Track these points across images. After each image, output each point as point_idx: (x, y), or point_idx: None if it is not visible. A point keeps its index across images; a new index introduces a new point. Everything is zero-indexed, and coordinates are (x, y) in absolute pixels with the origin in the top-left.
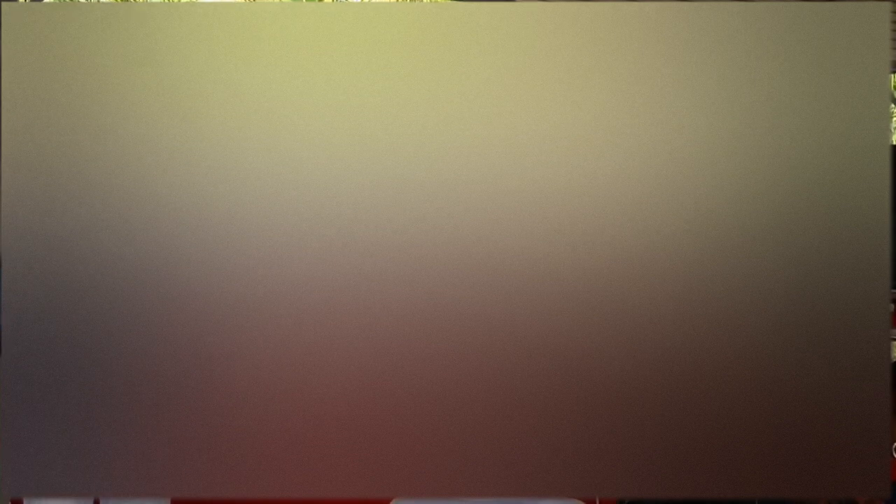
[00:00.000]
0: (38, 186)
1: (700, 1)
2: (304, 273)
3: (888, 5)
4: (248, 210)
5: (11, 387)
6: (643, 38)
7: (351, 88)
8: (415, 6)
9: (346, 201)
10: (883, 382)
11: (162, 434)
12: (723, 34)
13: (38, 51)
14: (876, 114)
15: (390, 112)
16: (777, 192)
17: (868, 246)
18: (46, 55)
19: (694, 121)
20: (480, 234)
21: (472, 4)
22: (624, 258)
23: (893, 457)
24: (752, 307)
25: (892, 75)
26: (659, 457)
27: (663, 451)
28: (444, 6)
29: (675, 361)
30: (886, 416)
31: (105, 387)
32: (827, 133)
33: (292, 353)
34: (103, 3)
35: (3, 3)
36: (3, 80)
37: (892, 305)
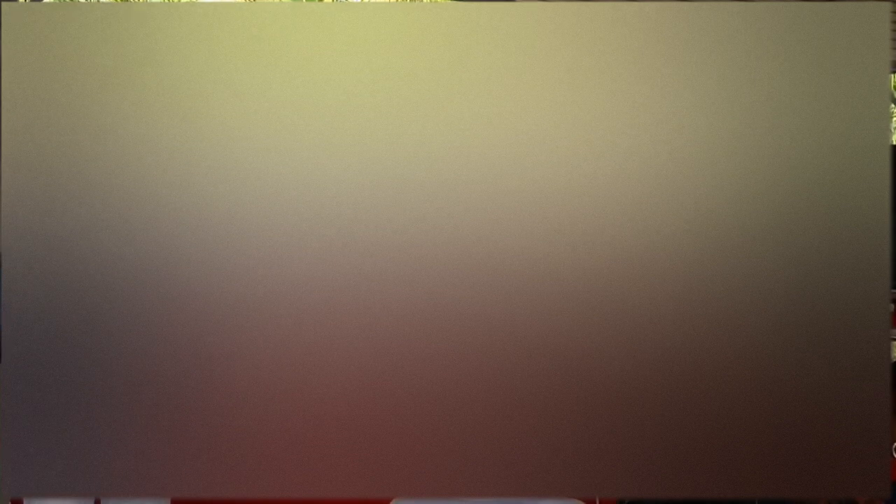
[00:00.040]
0: (38, 186)
1: (700, 1)
2: (304, 273)
3: (888, 5)
4: (249, 210)
5: (11, 387)
6: (643, 38)
7: (351, 88)
8: (415, 6)
9: (346, 201)
10: (883, 382)
11: (162, 434)
12: (723, 34)
13: (38, 51)
14: (876, 114)
15: (390, 112)
16: (777, 192)
17: (868, 246)
18: (46, 55)
19: (694, 121)
20: (480, 235)
21: (472, 4)
22: (624, 258)
23: (893, 457)
24: (752, 307)
25: (892, 75)
26: (659, 457)
27: (663, 451)
28: (444, 6)
29: (675, 362)
30: (886, 416)
31: (105, 387)
32: (827, 133)
33: (292, 354)
34: (103, 3)
35: (3, 3)
36: (3, 80)
37: (892, 305)
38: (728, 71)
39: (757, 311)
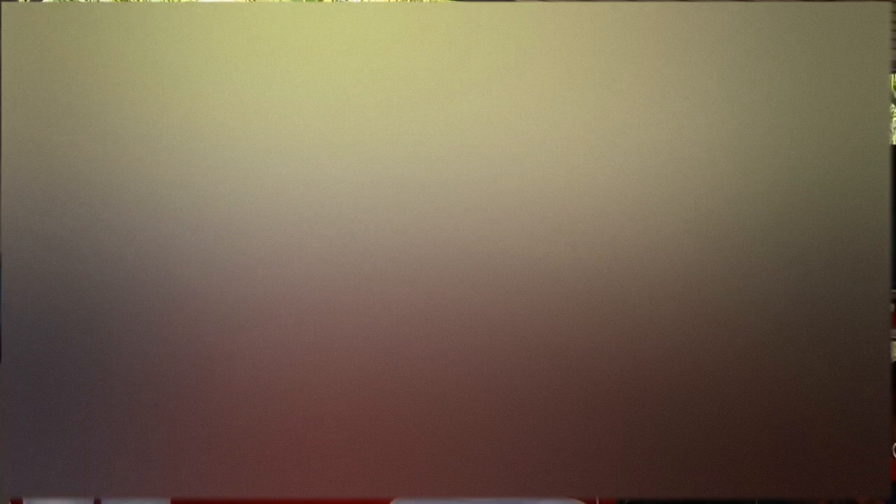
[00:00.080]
0: (38, 186)
1: (700, 1)
2: (304, 273)
3: (888, 5)
4: (249, 210)
5: (11, 387)
6: (643, 38)
7: (351, 88)
8: (415, 6)
9: (346, 201)
10: (883, 382)
11: (162, 434)
12: (723, 34)
13: (38, 51)
14: (876, 114)
15: (390, 112)
16: (777, 192)
17: (868, 246)
18: (46, 55)
19: (694, 121)
20: (480, 235)
21: (472, 4)
22: (624, 258)
23: (893, 457)
24: (752, 307)
25: (892, 75)
26: (659, 457)
27: (663, 451)
28: (444, 6)
29: (676, 362)
30: (886, 416)
31: (105, 387)
32: (827, 133)
33: (292, 354)
34: (103, 3)
35: (3, 3)
36: (3, 80)
37: (893, 305)
38: (728, 71)
39: (757, 311)
